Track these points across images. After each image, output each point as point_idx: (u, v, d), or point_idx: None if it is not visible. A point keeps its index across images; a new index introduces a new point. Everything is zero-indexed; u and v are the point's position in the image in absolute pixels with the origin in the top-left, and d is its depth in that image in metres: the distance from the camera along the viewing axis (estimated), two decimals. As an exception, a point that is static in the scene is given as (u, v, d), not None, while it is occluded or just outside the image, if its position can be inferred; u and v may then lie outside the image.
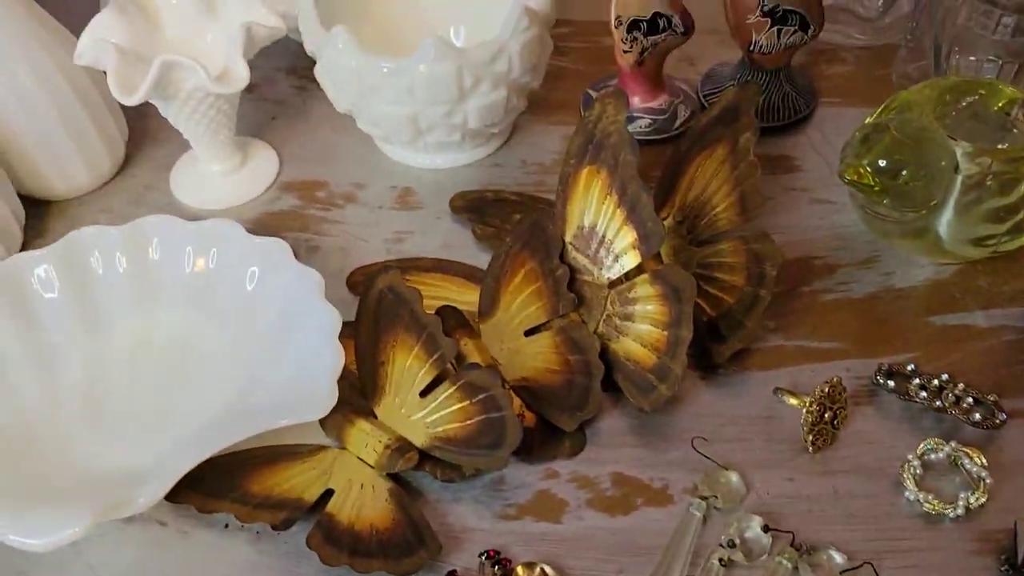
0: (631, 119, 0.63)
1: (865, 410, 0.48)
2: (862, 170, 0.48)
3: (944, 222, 0.50)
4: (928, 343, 0.50)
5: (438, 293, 0.55)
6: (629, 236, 0.50)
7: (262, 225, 0.59)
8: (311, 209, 0.60)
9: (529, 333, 0.51)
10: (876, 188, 0.48)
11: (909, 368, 0.48)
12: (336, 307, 0.48)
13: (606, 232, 0.51)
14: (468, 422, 0.46)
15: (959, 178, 0.49)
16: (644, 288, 0.49)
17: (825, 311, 0.52)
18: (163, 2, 0.57)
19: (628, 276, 0.50)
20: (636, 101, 0.63)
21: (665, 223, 0.55)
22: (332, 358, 0.46)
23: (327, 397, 0.44)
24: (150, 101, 0.54)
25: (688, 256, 0.53)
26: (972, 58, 0.58)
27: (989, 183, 0.49)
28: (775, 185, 0.60)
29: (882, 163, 0.48)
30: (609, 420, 0.49)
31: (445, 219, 0.59)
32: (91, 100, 0.58)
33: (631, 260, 0.50)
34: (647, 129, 0.63)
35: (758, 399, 0.48)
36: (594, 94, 0.65)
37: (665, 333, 0.47)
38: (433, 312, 0.51)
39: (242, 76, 0.53)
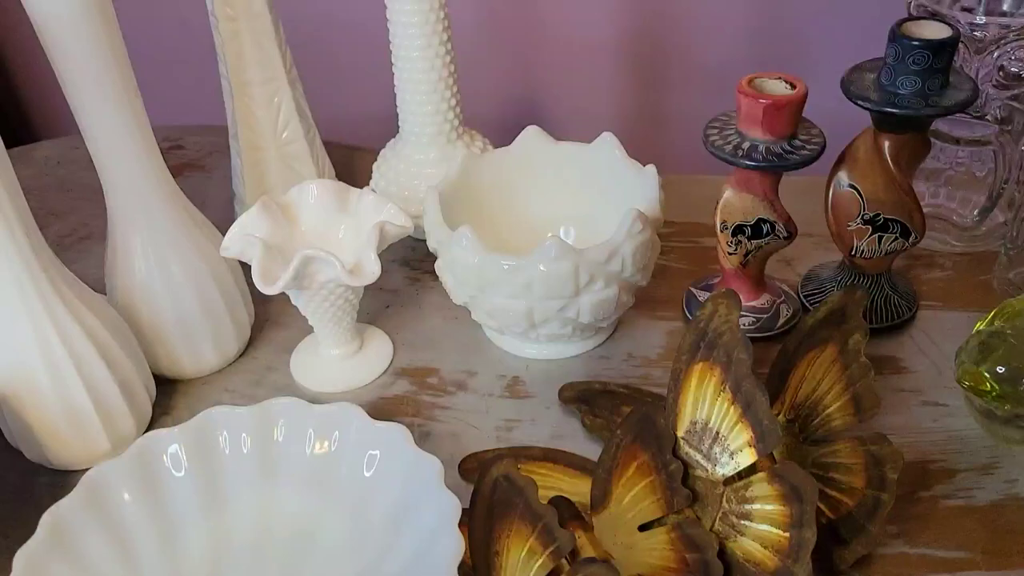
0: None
1: (1001, 627, 0.46)
2: (980, 376, 0.48)
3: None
4: (1062, 557, 0.48)
5: (548, 483, 0.55)
6: (745, 434, 0.50)
7: (377, 409, 0.61)
8: (423, 395, 0.62)
9: (643, 528, 0.51)
10: (995, 394, 0.48)
11: (1045, 582, 0.47)
12: (451, 494, 0.49)
13: (720, 428, 0.51)
14: (584, 620, 0.45)
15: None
16: (762, 487, 0.49)
17: (948, 518, 0.51)
18: (302, 200, 0.62)
19: (743, 474, 0.50)
20: (741, 300, 0.65)
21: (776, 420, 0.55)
22: (452, 545, 0.46)
23: (447, 587, 0.44)
24: (285, 291, 0.58)
25: (802, 455, 0.53)
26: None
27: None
28: (884, 386, 0.60)
29: (1001, 370, 0.48)
30: (729, 625, 0.47)
31: (554, 409, 0.61)
32: (227, 288, 0.62)
33: (747, 458, 0.50)
34: (751, 327, 0.64)
35: (885, 610, 0.47)
36: (696, 292, 0.68)
37: (787, 534, 0.47)
38: (546, 503, 0.52)
39: (373, 270, 0.56)
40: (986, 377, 0.48)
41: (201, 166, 0.89)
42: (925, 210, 0.70)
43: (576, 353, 0.65)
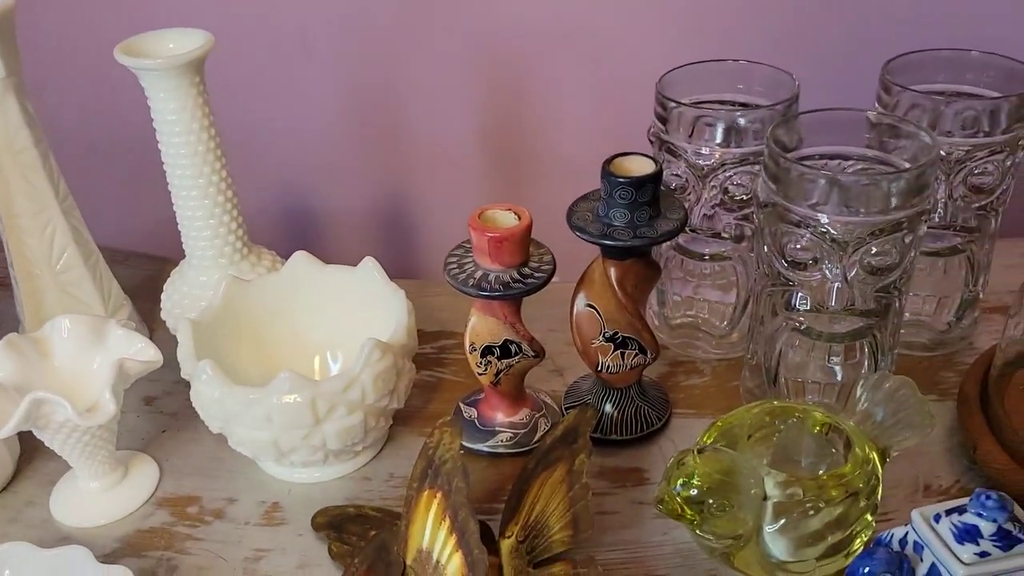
0: (494, 432, 0.67)
1: None
2: (667, 497, 0.51)
3: (762, 547, 0.52)
4: (755, 672, 0.51)
5: (285, 617, 0.56)
6: (458, 561, 0.52)
7: (129, 544, 0.61)
8: (180, 526, 0.63)
9: (364, 661, 0.52)
10: (685, 515, 0.51)
11: None
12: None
13: (440, 557, 0.53)
14: None
15: (769, 505, 0.52)
16: (474, 617, 0.50)
17: (657, 636, 0.53)
18: (54, 335, 0.62)
19: (458, 603, 0.51)
20: (499, 415, 0.67)
21: (508, 541, 0.57)
22: None
23: None
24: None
25: (526, 578, 0.55)
26: (799, 379, 0.63)
27: (797, 510, 0.51)
28: (624, 499, 0.62)
29: (685, 491, 0.51)
30: None
31: (307, 536, 0.61)
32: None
33: (460, 586, 0.52)
34: (508, 443, 0.66)
35: None
36: (464, 407, 0.70)
37: (485, 666, 0.48)
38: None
39: (108, 410, 0.57)
40: (675, 497, 0.51)
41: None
42: (685, 320, 0.74)
43: (339, 475, 0.66)
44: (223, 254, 0.74)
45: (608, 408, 0.67)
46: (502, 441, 0.66)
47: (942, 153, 0.63)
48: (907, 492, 0.61)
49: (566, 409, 0.69)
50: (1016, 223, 0.84)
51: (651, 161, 0.60)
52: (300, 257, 0.70)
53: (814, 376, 0.63)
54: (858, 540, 0.53)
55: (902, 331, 0.72)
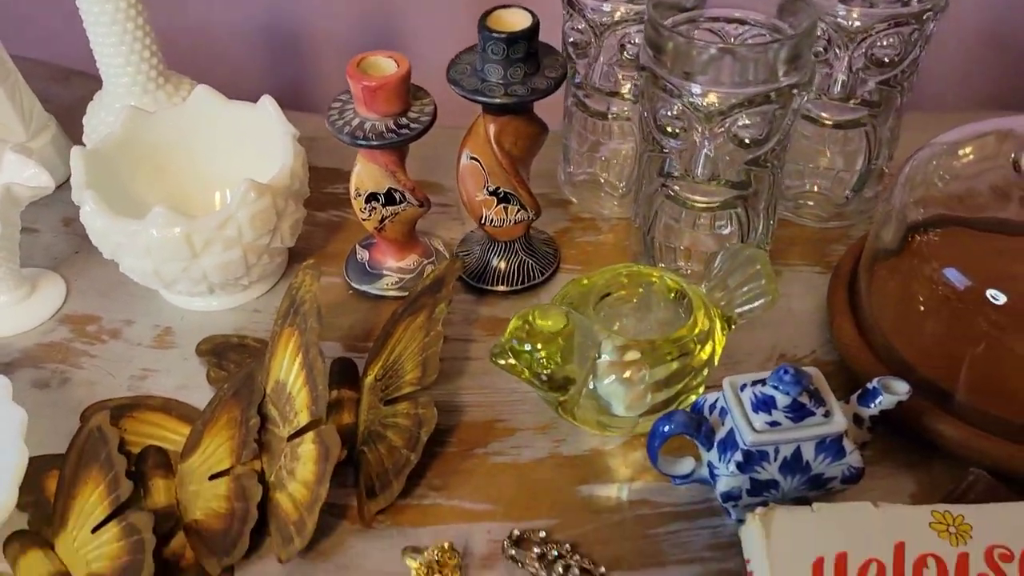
0: (381, 276, 0.69)
1: (489, 574, 0.52)
2: (499, 349, 0.53)
3: (594, 399, 0.55)
4: (569, 511, 0.55)
5: (157, 432, 0.60)
6: (305, 396, 0.56)
7: (28, 355, 0.66)
8: (77, 342, 0.67)
9: (215, 477, 0.56)
10: (515, 368, 0.54)
11: (540, 535, 0.53)
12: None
13: (292, 389, 0.56)
14: (117, 561, 0.51)
15: (601, 364, 0.54)
16: (307, 446, 0.54)
17: (491, 473, 0.57)
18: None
19: (301, 432, 0.55)
20: (389, 260, 0.69)
21: (369, 379, 0.61)
22: (15, 457, 0.51)
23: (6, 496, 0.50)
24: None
25: (375, 415, 0.58)
26: (671, 245, 0.64)
27: (630, 365, 0.54)
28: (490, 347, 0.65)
29: (516, 344, 0.53)
30: (261, 565, 0.53)
31: (192, 360, 0.65)
32: None
33: (305, 418, 0.55)
34: (393, 287, 0.69)
35: (396, 555, 0.53)
36: (359, 248, 0.72)
37: (309, 491, 0.52)
38: (140, 451, 0.57)
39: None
40: (507, 350, 0.53)
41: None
42: (586, 177, 0.75)
43: (231, 306, 0.69)
44: (136, 82, 0.74)
45: (494, 260, 0.69)
46: (388, 285, 0.69)
47: (840, 24, 0.61)
48: (762, 359, 0.63)
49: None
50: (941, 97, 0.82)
51: (529, 15, 0.58)
52: (202, 91, 0.70)
53: (684, 243, 0.63)
54: (687, 402, 0.56)
55: (801, 202, 0.72)
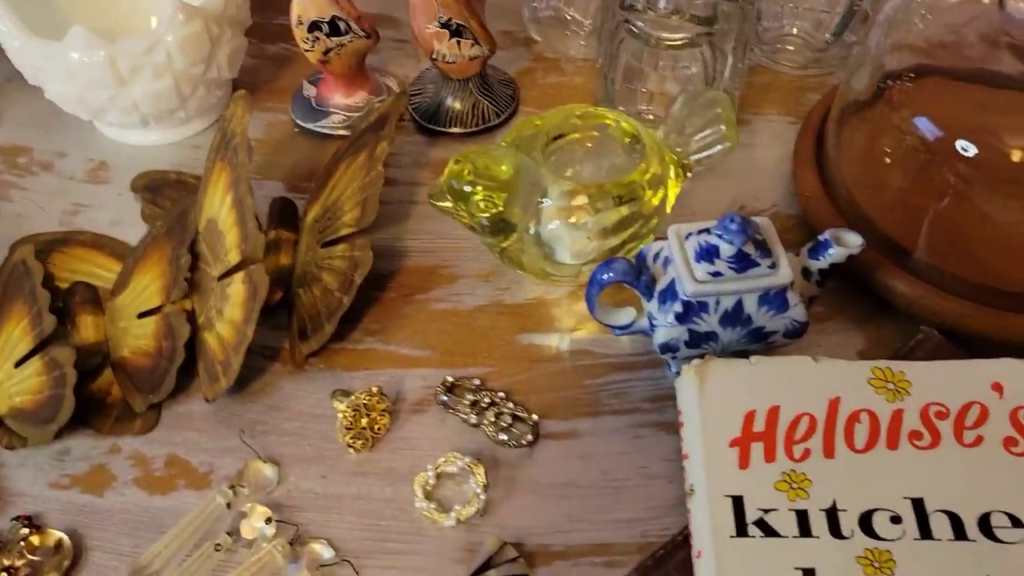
0: (327, 113, 0.65)
1: (420, 419, 0.51)
2: (436, 191, 0.51)
3: (538, 245, 0.53)
4: (507, 359, 0.53)
5: (87, 268, 0.58)
6: (236, 234, 0.53)
7: (-46, 186, 0.63)
8: (7, 175, 0.64)
9: (144, 315, 0.54)
10: (451, 210, 0.51)
11: (475, 383, 0.52)
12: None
13: (223, 227, 0.54)
14: (39, 395, 0.50)
15: (546, 207, 0.51)
16: (236, 286, 0.52)
17: (430, 319, 0.55)
18: None
19: (231, 272, 0.53)
20: (336, 97, 0.66)
21: (308, 220, 0.58)
22: None
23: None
24: None
25: (312, 257, 0.56)
26: (632, 87, 0.60)
27: (576, 210, 0.51)
28: (435, 191, 0.62)
29: (455, 185, 0.50)
30: (189, 404, 0.52)
31: (126, 196, 0.62)
32: None
33: (235, 257, 0.53)
34: (339, 124, 0.65)
35: (326, 397, 0.52)
36: (306, 84, 0.68)
37: (237, 331, 0.51)
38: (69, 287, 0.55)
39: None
40: (444, 192, 0.50)
41: None
42: (550, 13, 0.70)
43: (170, 141, 0.65)
44: None
45: (448, 100, 0.65)
46: (334, 123, 0.65)
47: None
48: (721, 210, 0.59)
49: (411, 97, 0.67)
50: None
51: None
52: (134, -96, 0.65)
53: (646, 85, 0.60)
54: (635, 251, 0.54)
55: (779, 46, 0.68)
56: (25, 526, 0.46)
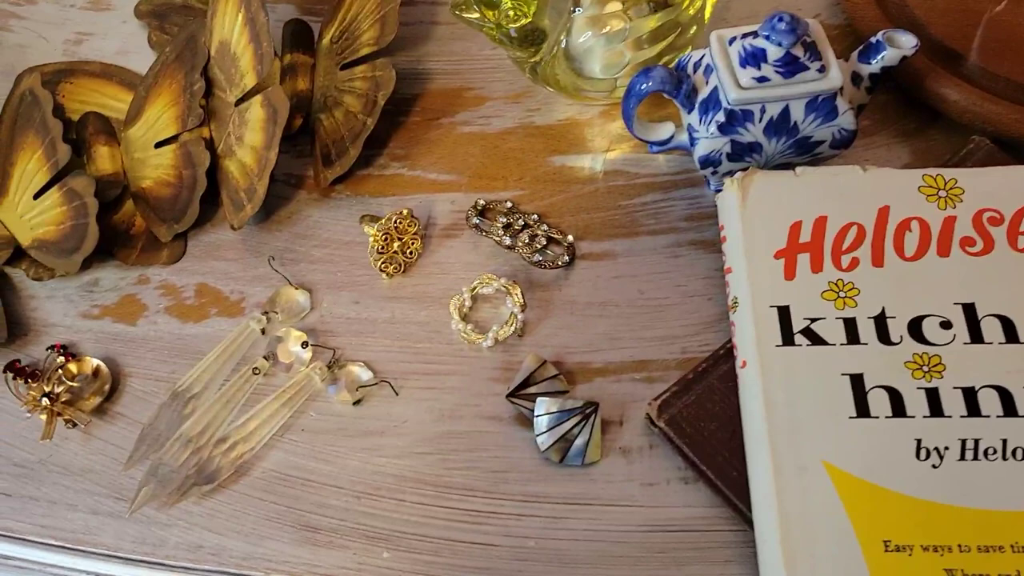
0: (337, -71, 0.61)
1: (452, 243, 0.50)
2: (462, 1, 0.48)
3: (568, 60, 0.50)
4: (539, 182, 0.51)
5: (98, 99, 0.56)
6: (250, 56, 0.50)
7: (-50, 19, 0.60)
8: (4, 3, 0.60)
9: (161, 145, 0.53)
10: (481, 21, 0.48)
11: (507, 205, 0.50)
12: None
13: (236, 49, 0.51)
14: (61, 226, 0.49)
15: (579, 17, 0.48)
16: (255, 110, 0.50)
17: (457, 143, 0.53)
18: None
19: (248, 96, 0.51)
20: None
21: (324, 42, 0.55)
22: None
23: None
24: None
25: (331, 80, 0.54)
26: None
27: (608, 19, 0.48)
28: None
29: (483, -4, 0.47)
30: (216, 234, 0.51)
31: (131, 24, 0.59)
32: None
33: (252, 80, 0.51)
34: (351, -59, 0.61)
35: (354, 224, 0.50)
36: (312, -101, 0.63)
37: (259, 156, 0.49)
38: (80, 118, 0.53)
39: None
40: (471, 4, 0.47)
41: None
42: None
43: (171, -36, 0.62)
44: None
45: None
46: (345, -61, 0.61)
47: None
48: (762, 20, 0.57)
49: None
50: None
51: None
52: None
53: None
54: (670, 64, 0.51)
55: None
56: (61, 354, 0.46)
